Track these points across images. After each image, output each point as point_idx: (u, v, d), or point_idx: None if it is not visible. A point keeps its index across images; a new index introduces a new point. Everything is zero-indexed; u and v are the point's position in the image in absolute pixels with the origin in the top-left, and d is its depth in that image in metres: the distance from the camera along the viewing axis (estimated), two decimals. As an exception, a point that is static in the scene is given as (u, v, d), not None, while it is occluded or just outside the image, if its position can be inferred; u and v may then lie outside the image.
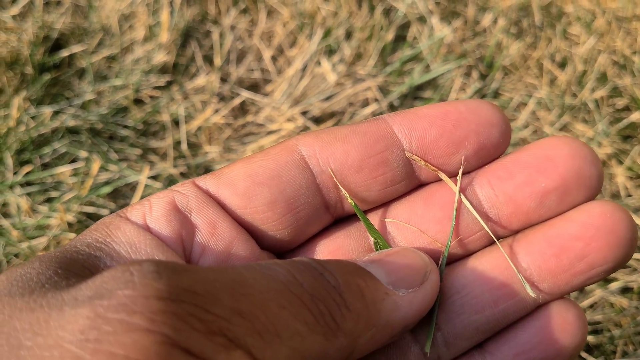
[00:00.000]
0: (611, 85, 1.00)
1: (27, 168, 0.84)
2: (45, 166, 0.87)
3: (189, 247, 0.27)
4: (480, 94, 1.01)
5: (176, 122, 0.93)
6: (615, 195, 0.89)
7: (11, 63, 0.99)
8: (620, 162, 0.92)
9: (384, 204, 0.32)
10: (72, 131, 0.90)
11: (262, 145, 0.89)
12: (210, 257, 0.27)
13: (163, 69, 0.99)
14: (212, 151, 0.89)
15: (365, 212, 0.32)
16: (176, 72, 1.00)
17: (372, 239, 0.31)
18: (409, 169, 0.30)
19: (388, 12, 1.10)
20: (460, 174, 0.30)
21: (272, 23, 1.06)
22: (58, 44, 1.03)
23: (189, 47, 1.03)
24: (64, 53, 0.99)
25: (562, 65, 1.05)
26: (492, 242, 0.30)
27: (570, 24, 1.11)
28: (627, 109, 1.00)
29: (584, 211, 0.28)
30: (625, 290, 0.79)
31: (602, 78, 1.01)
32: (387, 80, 1.00)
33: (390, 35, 1.03)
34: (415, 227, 0.31)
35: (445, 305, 0.30)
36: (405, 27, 1.09)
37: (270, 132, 0.93)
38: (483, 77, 1.03)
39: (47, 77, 0.94)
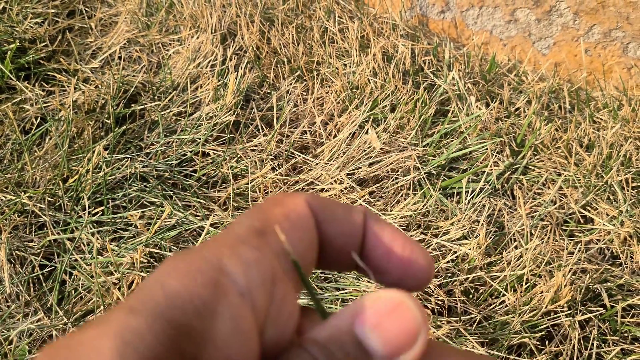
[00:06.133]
0: (637, 170, 1.08)
1: (99, 209, 0.93)
2: (115, 208, 0.97)
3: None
4: (512, 169, 1.09)
5: (234, 176, 1.03)
6: (636, 272, 0.95)
7: (88, 111, 1.10)
8: (642, 242, 0.99)
9: None
10: (141, 177, 1.00)
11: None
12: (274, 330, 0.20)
13: (225, 126, 1.09)
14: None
15: None
16: (236, 129, 1.10)
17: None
18: None
19: (431, 87, 1.20)
20: None
21: (325, 91, 1.17)
22: (130, 97, 1.14)
23: (247, 107, 1.14)
24: (138, 107, 1.10)
25: (589, 147, 1.13)
26: None
27: (598, 109, 1.20)
28: (649, 192, 1.07)
29: None
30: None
31: (627, 162, 1.09)
32: (427, 150, 1.09)
33: (431, 110, 1.13)
34: None
35: None
36: (445, 102, 1.19)
37: (319, 191, 1.02)
38: (514, 152, 1.12)
39: (123, 127, 1.05)
